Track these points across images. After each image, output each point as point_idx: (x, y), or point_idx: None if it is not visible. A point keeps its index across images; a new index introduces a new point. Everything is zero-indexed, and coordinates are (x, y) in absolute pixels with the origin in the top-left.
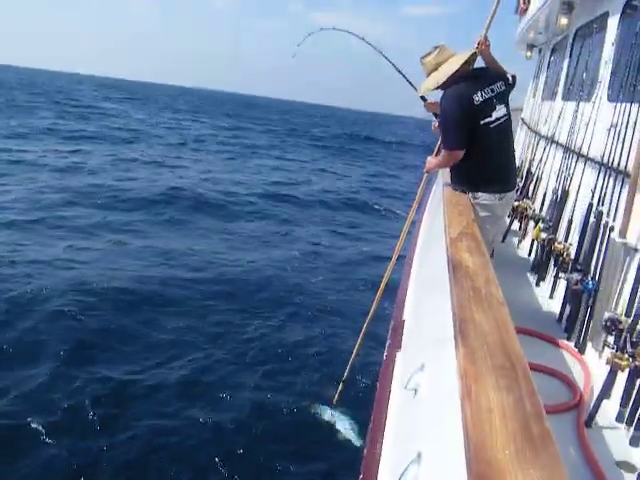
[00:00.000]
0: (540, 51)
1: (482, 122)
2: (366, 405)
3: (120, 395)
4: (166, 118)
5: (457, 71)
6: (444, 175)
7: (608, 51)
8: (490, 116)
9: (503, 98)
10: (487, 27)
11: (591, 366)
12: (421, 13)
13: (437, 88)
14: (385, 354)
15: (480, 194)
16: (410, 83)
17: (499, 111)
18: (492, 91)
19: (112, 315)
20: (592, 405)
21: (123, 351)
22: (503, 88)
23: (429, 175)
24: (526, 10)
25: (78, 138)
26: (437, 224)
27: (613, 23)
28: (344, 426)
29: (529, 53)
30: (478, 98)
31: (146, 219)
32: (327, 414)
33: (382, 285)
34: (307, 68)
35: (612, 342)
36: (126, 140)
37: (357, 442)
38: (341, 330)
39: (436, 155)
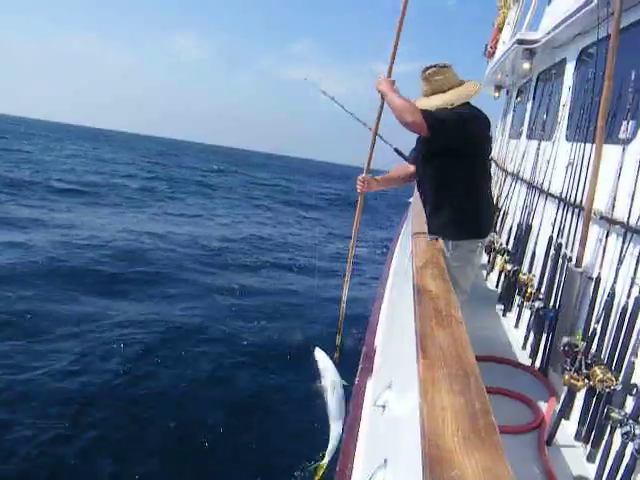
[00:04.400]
0: (507, 92)
1: (488, 156)
2: None
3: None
4: None
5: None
6: (414, 222)
7: (566, 95)
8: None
9: None
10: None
11: (554, 389)
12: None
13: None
14: (357, 379)
15: (464, 242)
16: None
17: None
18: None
19: None
20: (552, 425)
21: None
22: None
23: (364, 194)
24: (493, 54)
25: None
26: (405, 257)
27: (570, 69)
28: None
29: (497, 93)
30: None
31: None
32: None
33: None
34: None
35: (569, 365)
36: None
37: None
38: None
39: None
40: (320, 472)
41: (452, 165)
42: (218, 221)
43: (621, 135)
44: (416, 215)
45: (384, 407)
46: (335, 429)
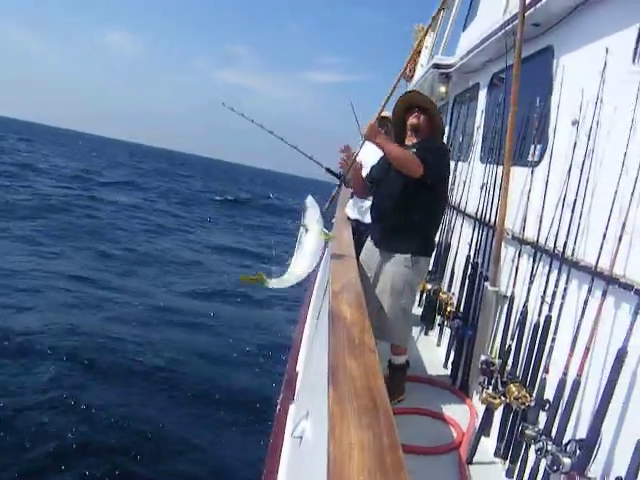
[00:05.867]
0: None
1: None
2: None
3: None
4: None
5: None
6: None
7: (479, 118)
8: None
9: None
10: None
11: (474, 407)
12: (325, 80)
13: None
14: (278, 407)
15: (423, 259)
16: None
17: None
18: None
19: None
20: (473, 443)
21: None
22: None
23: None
24: (412, 77)
25: None
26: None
27: (483, 94)
28: None
29: None
30: None
31: None
32: None
33: None
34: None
35: (486, 382)
36: None
37: None
38: None
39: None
40: (256, 279)
41: (419, 190)
42: None
43: (530, 158)
44: (337, 236)
45: (301, 438)
46: (298, 264)
